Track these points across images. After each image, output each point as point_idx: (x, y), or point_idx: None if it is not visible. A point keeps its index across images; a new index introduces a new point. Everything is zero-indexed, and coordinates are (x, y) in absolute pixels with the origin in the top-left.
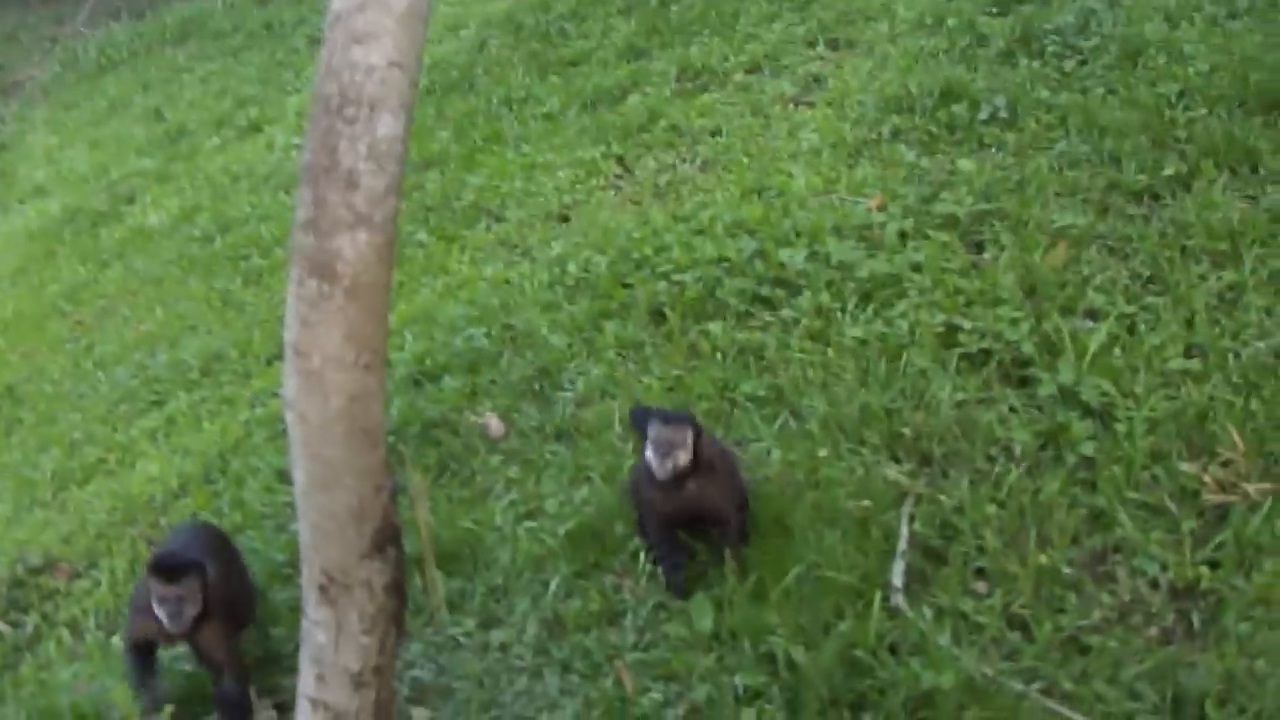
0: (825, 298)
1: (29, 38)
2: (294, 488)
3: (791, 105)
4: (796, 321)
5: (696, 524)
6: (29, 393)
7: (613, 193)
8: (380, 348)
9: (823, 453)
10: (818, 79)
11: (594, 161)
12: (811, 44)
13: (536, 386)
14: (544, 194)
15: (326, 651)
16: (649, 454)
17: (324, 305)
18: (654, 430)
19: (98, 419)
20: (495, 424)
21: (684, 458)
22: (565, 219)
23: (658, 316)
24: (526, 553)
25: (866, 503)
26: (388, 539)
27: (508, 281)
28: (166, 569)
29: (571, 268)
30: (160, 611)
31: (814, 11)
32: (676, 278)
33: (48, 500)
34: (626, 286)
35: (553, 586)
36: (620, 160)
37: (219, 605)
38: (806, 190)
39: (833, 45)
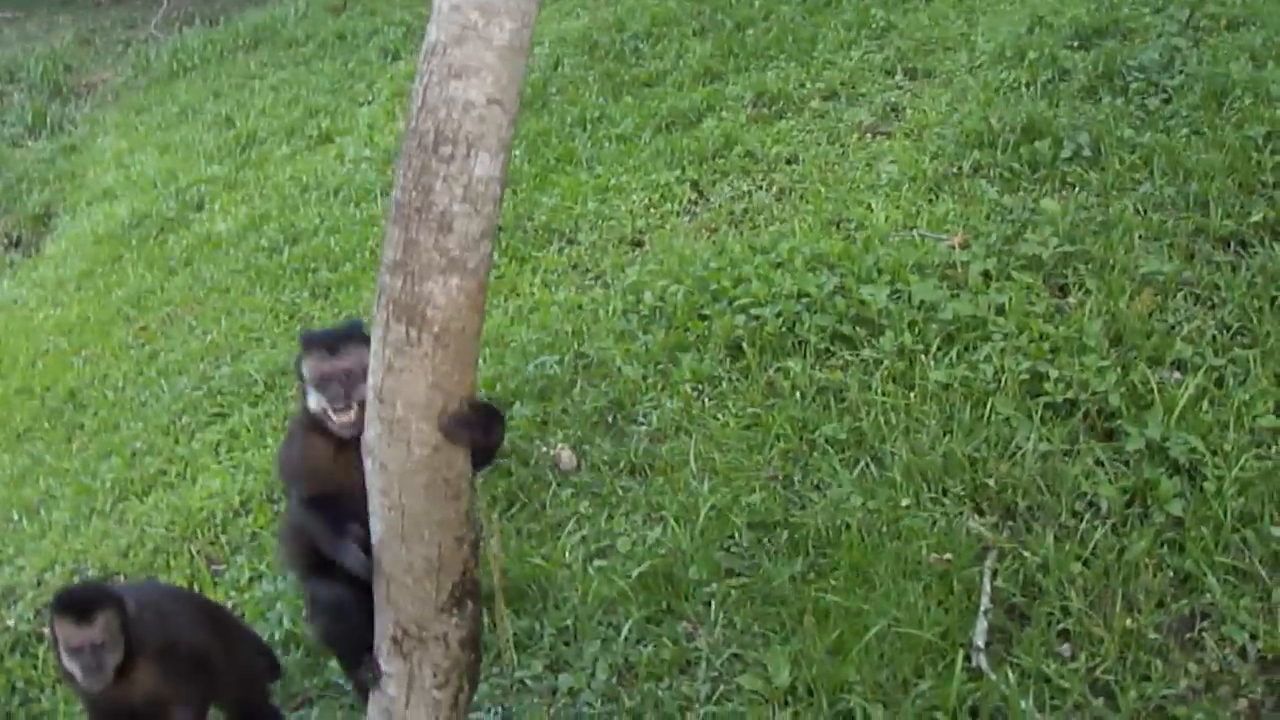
0: (908, 338)
1: (102, 41)
2: (371, 537)
3: (869, 135)
4: (878, 362)
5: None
6: (91, 398)
7: (687, 219)
8: (470, 395)
9: (905, 502)
10: (895, 109)
11: (668, 186)
12: (889, 73)
13: (610, 418)
14: (617, 217)
15: (397, 705)
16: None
17: (410, 352)
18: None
19: (159, 429)
20: (567, 456)
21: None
22: (639, 244)
23: (735, 351)
24: (597, 594)
25: (949, 556)
26: (467, 593)
27: (580, 307)
28: (76, 605)
29: (647, 296)
30: (73, 665)
31: (892, 40)
32: (755, 311)
33: (106, 510)
34: (703, 318)
35: (624, 631)
36: (695, 185)
37: (168, 659)
38: (886, 224)
39: (911, 75)
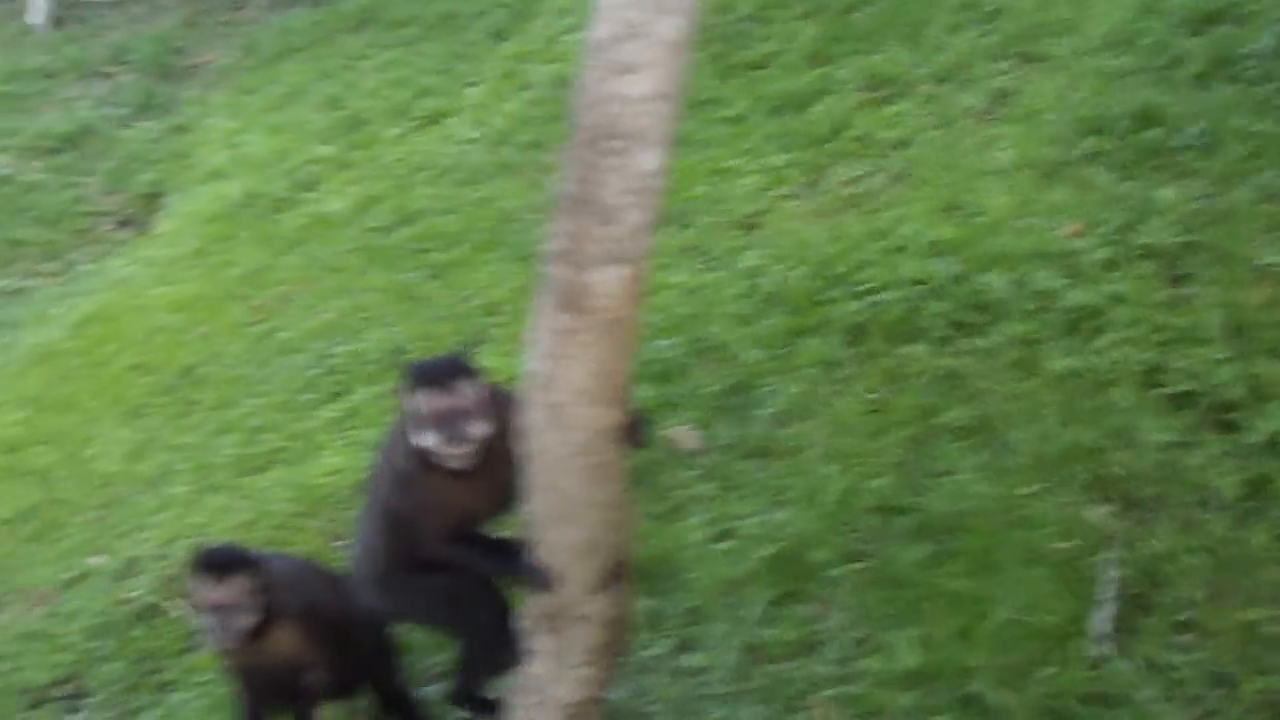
0: (1028, 326)
1: (208, 23)
2: (527, 517)
3: (981, 119)
4: (999, 350)
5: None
6: (208, 374)
7: (800, 202)
8: (625, 383)
9: (1027, 489)
10: (1005, 94)
11: (780, 169)
12: (999, 57)
13: (731, 401)
14: (730, 201)
15: (543, 682)
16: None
17: (574, 339)
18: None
19: (276, 406)
20: (688, 438)
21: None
22: (752, 227)
23: (855, 335)
24: (723, 575)
25: (1071, 544)
26: (618, 575)
27: (696, 290)
28: (213, 564)
29: (765, 280)
30: (202, 622)
31: (1001, 24)
32: (876, 297)
33: (225, 485)
34: (822, 303)
35: (751, 613)
36: (807, 169)
37: (308, 624)
38: (1001, 211)
39: (1021, 59)
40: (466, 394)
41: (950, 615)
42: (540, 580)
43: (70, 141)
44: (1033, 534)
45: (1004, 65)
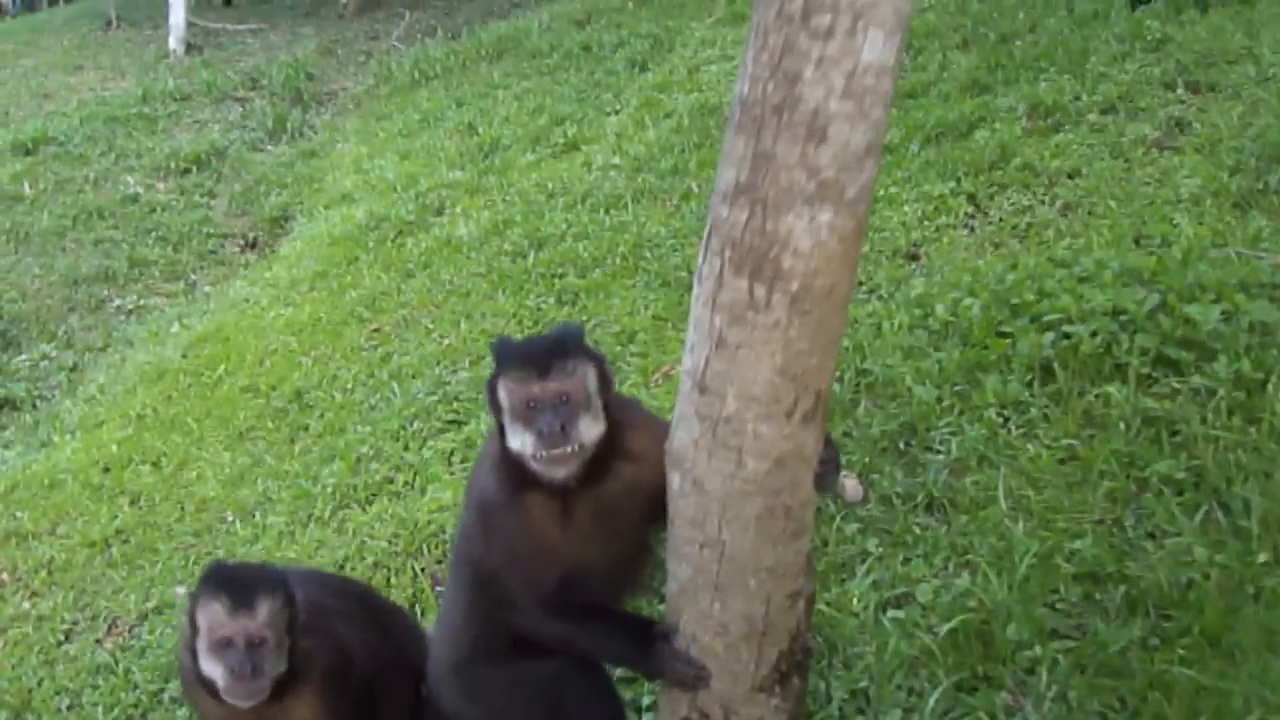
0: (1245, 365)
1: (345, 52)
2: (668, 583)
3: (1155, 150)
4: (1212, 391)
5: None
6: (318, 399)
7: (966, 232)
8: (827, 390)
9: (1263, 557)
10: (1180, 123)
11: (942, 198)
12: (1169, 86)
13: (900, 444)
14: (889, 229)
15: None
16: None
17: (754, 319)
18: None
19: (388, 434)
20: (852, 486)
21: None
22: (914, 257)
23: (1042, 372)
24: (896, 651)
25: None
26: (794, 665)
27: (858, 320)
28: (235, 584)
29: (939, 310)
30: (217, 665)
31: (1170, 52)
32: (1065, 329)
33: (325, 517)
34: (1003, 335)
35: (930, 700)
36: (971, 198)
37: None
38: (1193, 241)
39: (1193, 88)
40: (578, 379)
41: (1179, 712)
42: (684, 673)
43: (200, 163)
44: (1273, 613)
45: (1175, 95)
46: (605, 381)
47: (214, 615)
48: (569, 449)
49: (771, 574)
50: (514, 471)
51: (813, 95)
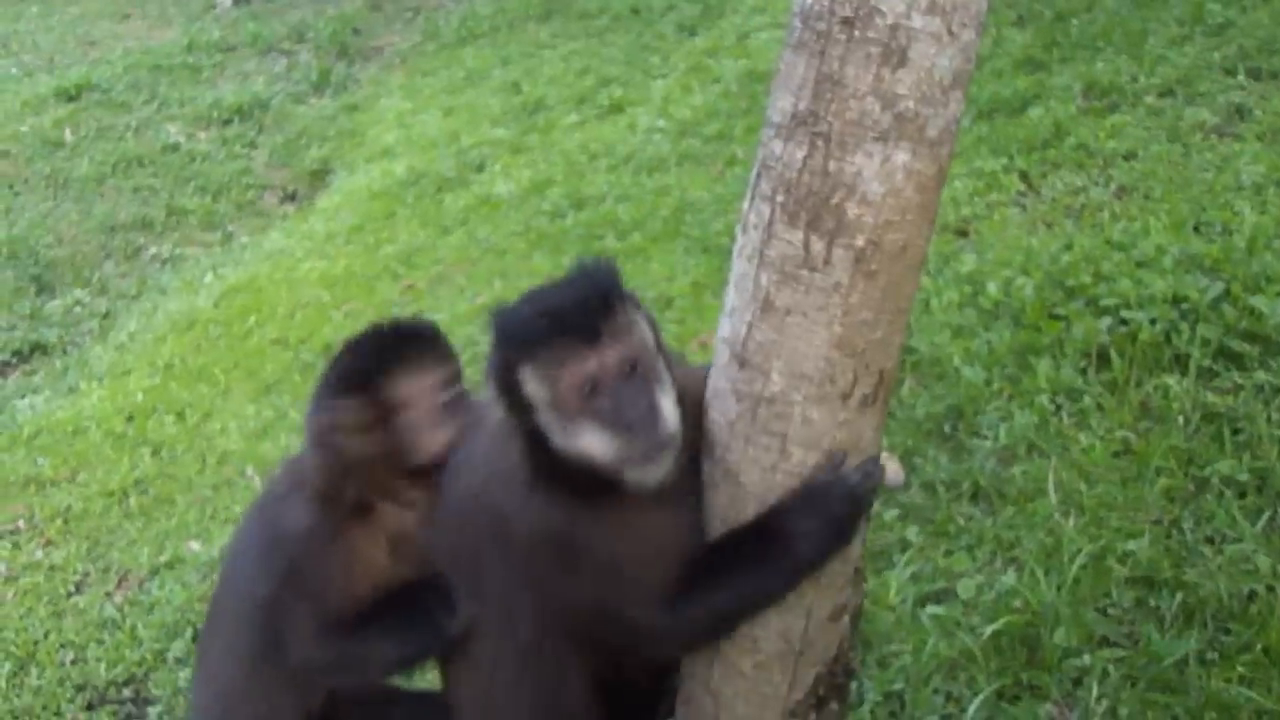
0: None
1: (392, 8)
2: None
3: (1214, 135)
4: (1278, 389)
5: None
6: None
7: (1017, 210)
8: (892, 370)
9: None
10: (1240, 110)
11: (994, 174)
12: (1230, 71)
13: (946, 428)
14: (939, 203)
15: None
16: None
17: (810, 278)
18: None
19: None
20: (893, 469)
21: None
22: (963, 233)
23: (1098, 359)
24: (934, 652)
25: None
26: (834, 688)
27: None
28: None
29: (990, 288)
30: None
31: (1231, 37)
32: (1124, 314)
33: None
34: (1057, 318)
35: (970, 709)
36: (1024, 176)
37: None
38: (1257, 230)
39: (1254, 75)
40: (637, 335)
41: None
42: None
43: (242, 114)
44: None
45: (1236, 81)
46: (657, 332)
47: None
48: (663, 436)
49: (815, 585)
50: (579, 482)
51: (891, 7)
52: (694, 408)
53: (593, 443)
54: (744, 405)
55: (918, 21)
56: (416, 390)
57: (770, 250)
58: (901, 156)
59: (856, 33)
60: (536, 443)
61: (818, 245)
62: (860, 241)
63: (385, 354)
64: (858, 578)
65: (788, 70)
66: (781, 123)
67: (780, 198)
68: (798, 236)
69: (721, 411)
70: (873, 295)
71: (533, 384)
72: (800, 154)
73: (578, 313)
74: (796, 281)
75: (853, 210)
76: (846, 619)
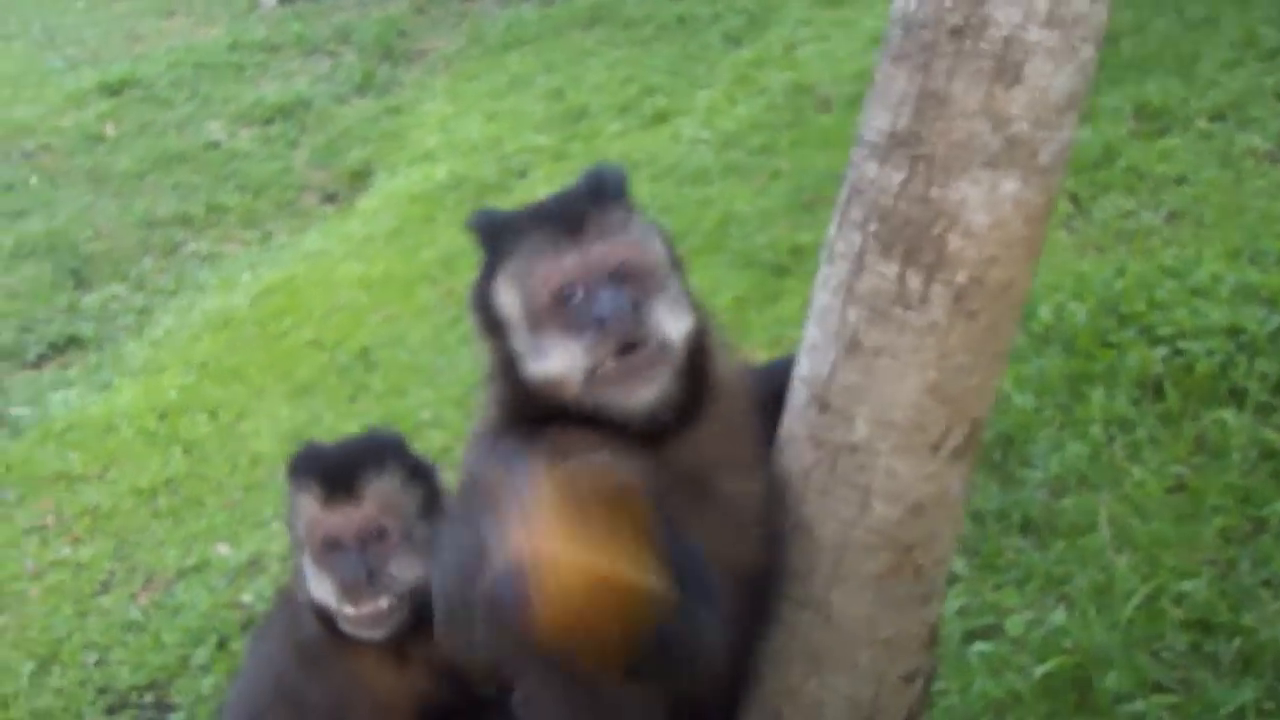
0: None
1: (438, 12)
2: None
3: (1267, 162)
4: None
5: None
6: (383, 358)
7: (1066, 232)
8: (983, 420)
9: None
10: None
11: None
12: None
13: (995, 456)
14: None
15: None
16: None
17: (904, 316)
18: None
19: (450, 401)
20: None
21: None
22: None
23: (1153, 390)
24: (982, 692)
25: None
26: None
27: None
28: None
29: (1042, 313)
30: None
31: None
32: (1180, 344)
33: None
34: (1109, 346)
35: None
36: (1073, 198)
37: None
38: None
39: None
40: (632, 240)
41: None
42: None
43: (284, 113)
44: None
45: None
46: (671, 248)
47: (311, 506)
48: (650, 350)
49: (888, 648)
50: (530, 407)
51: (1007, 17)
52: (747, 402)
53: (560, 359)
54: (822, 453)
55: (1035, 34)
56: None
57: (860, 284)
58: (1010, 185)
59: (966, 44)
60: (509, 382)
61: (914, 280)
62: (961, 278)
63: None
64: (932, 641)
65: (885, 84)
66: (877, 142)
67: (873, 226)
68: (892, 270)
69: (796, 458)
70: (972, 337)
71: (506, 293)
72: (898, 178)
73: (559, 204)
74: (888, 320)
75: (955, 242)
76: (919, 683)
